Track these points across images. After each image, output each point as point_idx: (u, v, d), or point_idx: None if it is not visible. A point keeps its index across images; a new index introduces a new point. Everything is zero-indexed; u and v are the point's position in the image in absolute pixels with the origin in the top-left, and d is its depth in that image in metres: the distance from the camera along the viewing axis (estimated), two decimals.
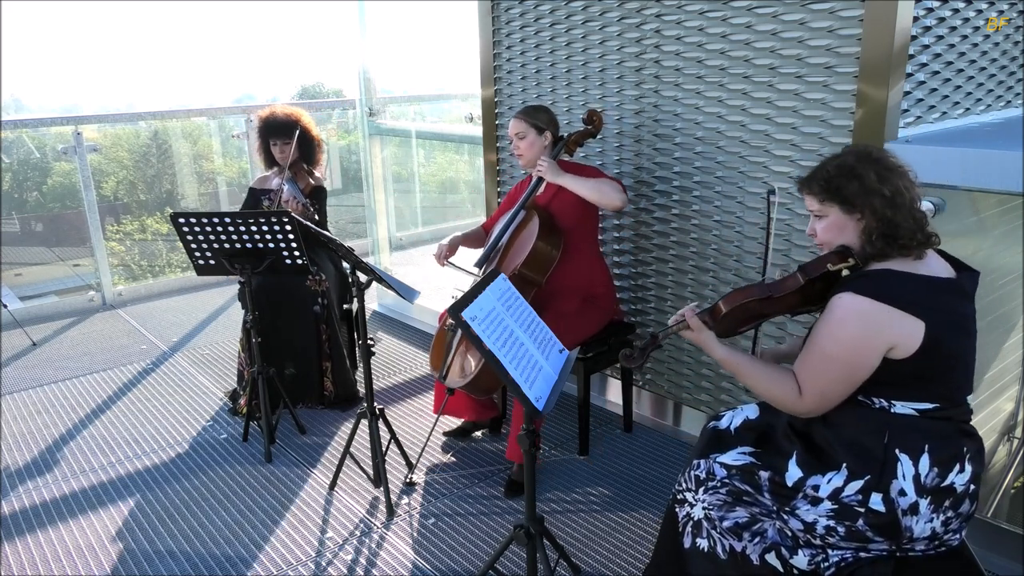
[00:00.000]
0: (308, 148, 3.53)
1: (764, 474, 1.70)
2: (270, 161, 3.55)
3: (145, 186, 6.37)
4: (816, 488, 1.63)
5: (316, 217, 3.36)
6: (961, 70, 2.49)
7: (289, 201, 3.31)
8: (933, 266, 1.64)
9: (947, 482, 1.57)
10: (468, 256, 3.03)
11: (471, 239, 3.07)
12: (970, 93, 2.57)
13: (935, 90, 2.41)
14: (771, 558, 1.68)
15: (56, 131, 5.59)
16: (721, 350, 1.78)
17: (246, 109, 5.72)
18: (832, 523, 1.61)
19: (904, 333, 1.54)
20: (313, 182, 3.53)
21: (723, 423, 1.95)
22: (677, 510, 1.84)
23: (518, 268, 2.70)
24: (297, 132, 3.44)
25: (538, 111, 2.84)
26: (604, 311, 2.92)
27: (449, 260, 2.96)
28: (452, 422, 3.23)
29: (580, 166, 2.87)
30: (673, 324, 1.82)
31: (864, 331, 1.55)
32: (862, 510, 1.58)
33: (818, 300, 1.70)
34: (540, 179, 2.84)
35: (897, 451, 1.57)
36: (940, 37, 2.36)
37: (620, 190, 2.71)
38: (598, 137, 3.02)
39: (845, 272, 1.65)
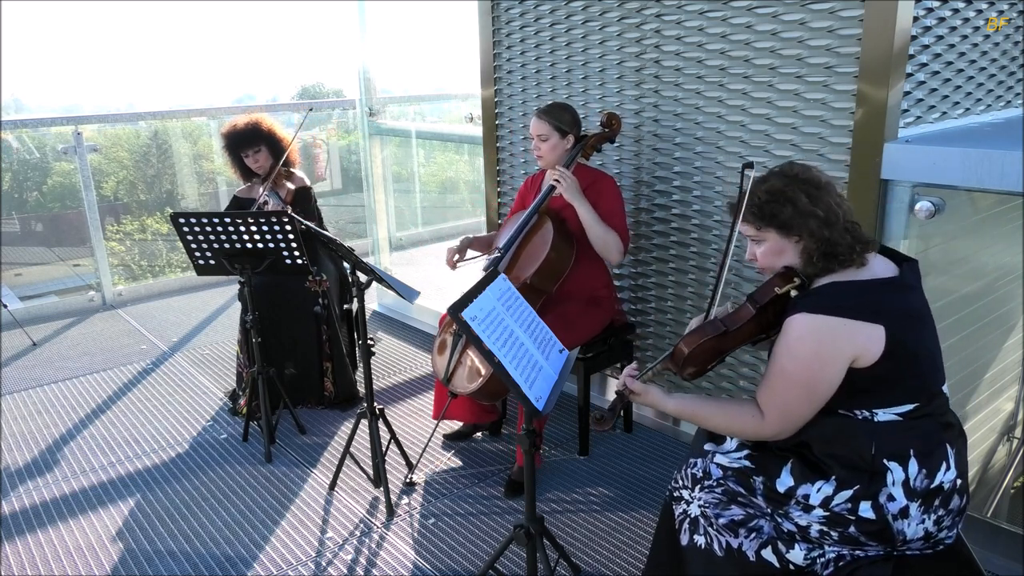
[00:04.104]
0: (280, 150, 3.44)
1: (758, 479, 1.72)
2: (247, 174, 3.49)
3: (145, 186, 6.36)
4: (807, 497, 1.64)
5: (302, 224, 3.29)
6: (961, 70, 2.49)
7: None
8: (876, 268, 1.66)
9: (936, 483, 1.58)
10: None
11: (481, 243, 3.01)
12: (970, 93, 2.57)
13: (935, 90, 2.41)
14: (767, 554, 1.69)
15: (56, 131, 5.59)
16: (672, 402, 1.78)
17: (246, 109, 5.71)
18: (825, 528, 1.63)
19: (864, 341, 1.56)
20: (293, 185, 3.46)
21: None
22: (674, 507, 1.84)
23: (528, 279, 2.67)
24: (264, 137, 3.38)
25: (563, 111, 2.76)
26: (606, 312, 2.91)
27: (461, 262, 2.92)
28: (452, 425, 3.23)
29: (597, 176, 2.80)
30: (622, 387, 1.83)
31: (822, 347, 1.57)
32: (853, 518, 1.60)
33: (774, 325, 1.71)
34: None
35: (885, 461, 1.59)
36: (940, 37, 2.36)
37: (622, 251, 2.72)
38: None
39: (793, 292, 1.66)
